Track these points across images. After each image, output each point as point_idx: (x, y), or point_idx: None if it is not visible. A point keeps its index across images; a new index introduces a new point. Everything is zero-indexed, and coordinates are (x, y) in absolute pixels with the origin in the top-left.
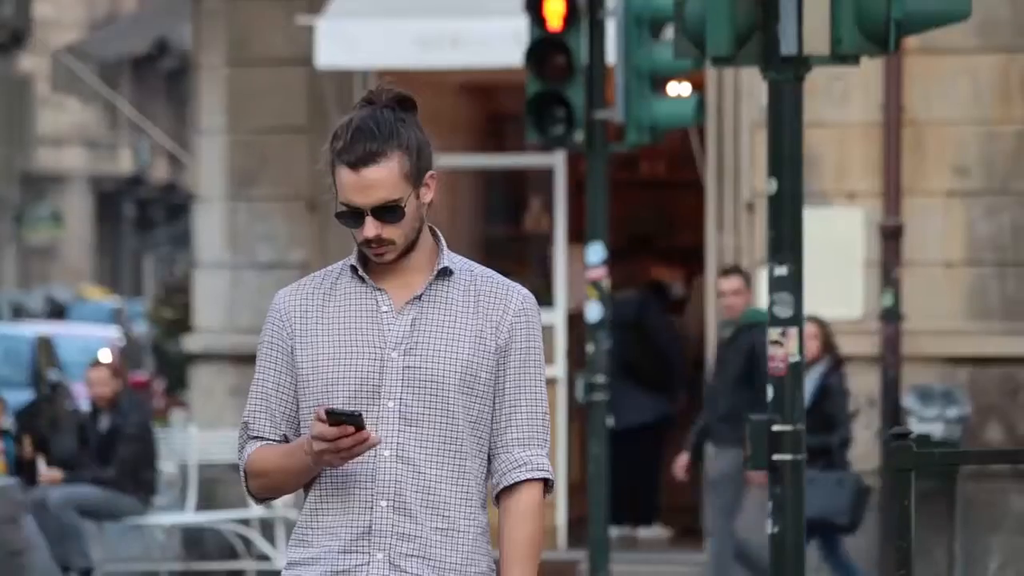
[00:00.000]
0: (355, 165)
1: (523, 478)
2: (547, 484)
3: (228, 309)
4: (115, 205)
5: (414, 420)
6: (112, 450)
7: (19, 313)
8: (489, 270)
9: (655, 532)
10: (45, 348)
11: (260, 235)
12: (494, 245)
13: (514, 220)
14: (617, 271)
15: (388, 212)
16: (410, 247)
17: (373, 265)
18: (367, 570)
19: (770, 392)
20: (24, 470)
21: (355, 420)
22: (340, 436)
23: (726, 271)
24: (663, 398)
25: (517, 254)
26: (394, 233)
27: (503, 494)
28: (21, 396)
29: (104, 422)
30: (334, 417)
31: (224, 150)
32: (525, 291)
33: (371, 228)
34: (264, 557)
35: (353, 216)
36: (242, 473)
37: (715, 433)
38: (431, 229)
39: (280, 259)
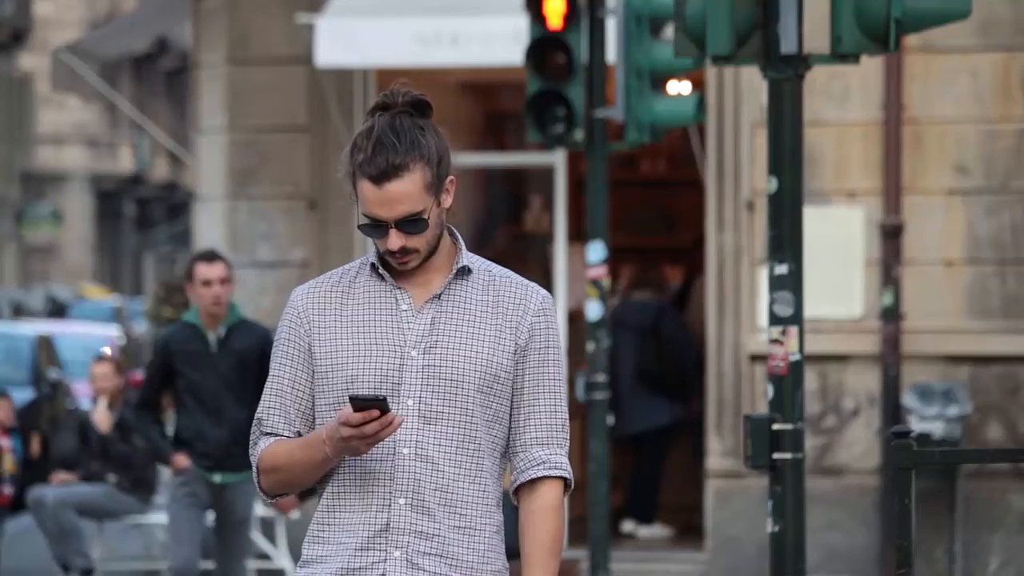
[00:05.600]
0: (378, 179)
1: (541, 475)
2: (566, 483)
3: None
4: (115, 204)
5: (433, 418)
6: (114, 447)
7: (19, 312)
8: (507, 270)
9: (655, 531)
10: (45, 347)
11: (260, 234)
12: (494, 244)
13: (514, 219)
14: (631, 272)
15: (411, 224)
16: (432, 251)
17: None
18: (384, 567)
19: (770, 391)
20: (31, 468)
21: (380, 404)
22: (365, 421)
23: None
24: (679, 402)
25: (517, 253)
26: (418, 243)
27: (522, 492)
28: (21, 395)
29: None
30: (358, 403)
31: (224, 149)
32: (544, 291)
33: (395, 240)
34: (264, 556)
35: (376, 228)
36: (254, 469)
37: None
38: (449, 229)
39: (281, 258)
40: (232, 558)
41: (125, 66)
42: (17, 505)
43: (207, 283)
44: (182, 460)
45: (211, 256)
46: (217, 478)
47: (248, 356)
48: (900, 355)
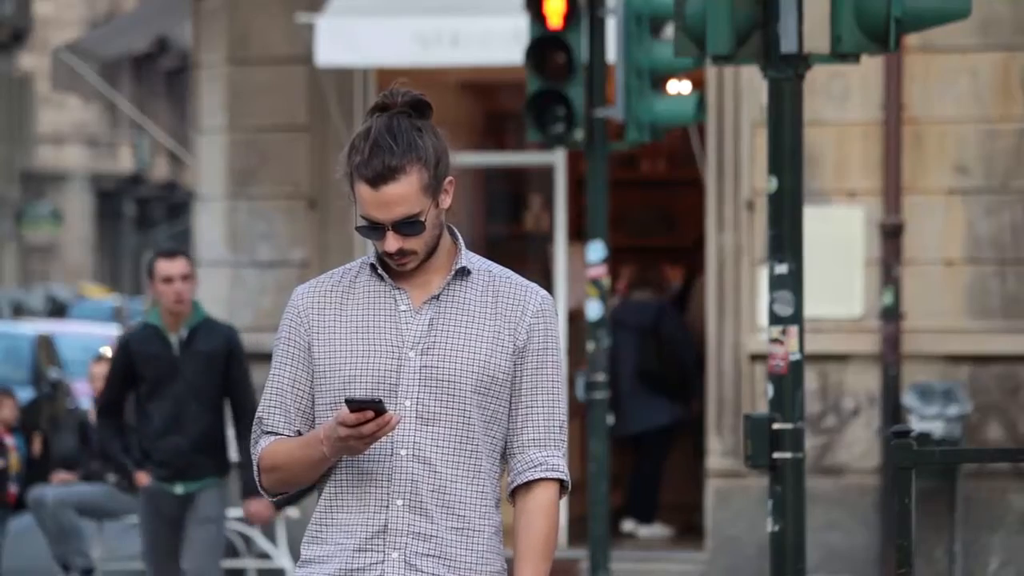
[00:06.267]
0: (374, 182)
1: (537, 477)
2: (563, 485)
3: (228, 308)
4: (115, 204)
5: (430, 419)
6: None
7: (19, 311)
8: (507, 270)
9: (655, 531)
10: (45, 346)
11: (260, 234)
12: (494, 244)
13: (514, 219)
14: (631, 272)
15: (408, 226)
16: (430, 252)
17: None
18: (382, 568)
19: (770, 391)
20: (31, 467)
21: (376, 406)
22: (361, 422)
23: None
24: (679, 402)
25: (517, 253)
26: (415, 244)
27: (518, 493)
28: (22, 395)
29: None
30: (355, 405)
31: (224, 149)
32: (543, 292)
33: (392, 242)
34: (265, 556)
35: (374, 230)
36: (255, 468)
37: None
38: (449, 229)
39: (281, 258)
40: (199, 556)
41: (125, 66)
42: (18, 505)
43: (168, 280)
44: (143, 478)
45: (172, 252)
46: (179, 489)
47: (214, 358)
48: (900, 355)
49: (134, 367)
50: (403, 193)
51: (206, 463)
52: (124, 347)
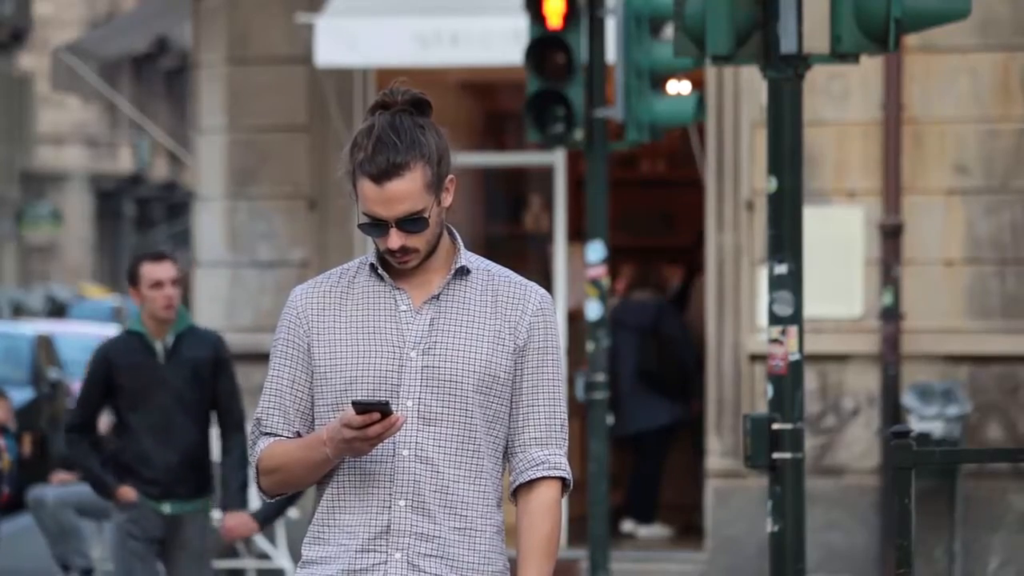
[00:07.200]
0: (378, 178)
1: (539, 475)
2: (565, 483)
3: (228, 308)
4: (115, 204)
5: (433, 419)
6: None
7: (19, 311)
8: (506, 270)
9: (655, 531)
10: (45, 347)
11: (260, 234)
12: (494, 244)
13: (514, 219)
14: (631, 272)
15: (412, 223)
16: (431, 251)
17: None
18: (384, 569)
19: (770, 391)
20: (24, 468)
21: (382, 407)
22: (367, 424)
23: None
24: (679, 402)
25: (517, 253)
26: (418, 242)
27: (520, 492)
28: (21, 395)
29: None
30: (360, 407)
31: (224, 149)
32: (543, 291)
33: (395, 239)
34: (264, 556)
35: (376, 226)
36: (254, 470)
37: None
38: (448, 229)
39: (280, 258)
40: None
41: (125, 66)
42: (15, 505)
43: (158, 284)
44: (128, 493)
45: (158, 255)
46: (167, 508)
47: (201, 367)
48: (900, 355)
49: (113, 379)
50: (407, 189)
51: (195, 480)
52: (103, 359)
